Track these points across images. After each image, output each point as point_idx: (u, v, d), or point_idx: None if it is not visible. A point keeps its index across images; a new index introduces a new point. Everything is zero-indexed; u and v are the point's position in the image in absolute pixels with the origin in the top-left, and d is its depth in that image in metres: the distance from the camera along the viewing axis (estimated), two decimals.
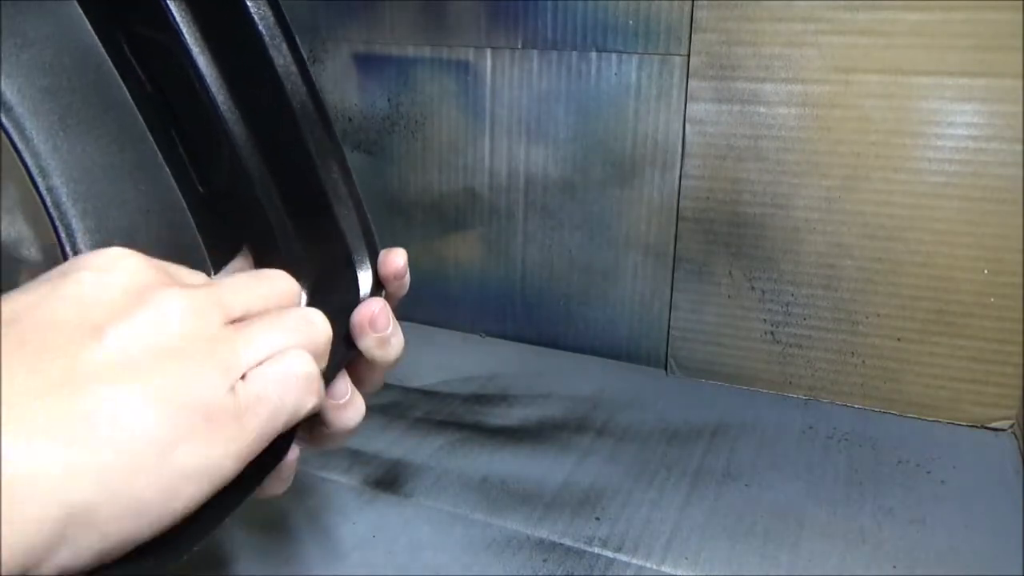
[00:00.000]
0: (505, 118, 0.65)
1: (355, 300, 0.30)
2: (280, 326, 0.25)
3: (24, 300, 0.21)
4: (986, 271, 0.52)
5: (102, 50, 0.32)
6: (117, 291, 0.22)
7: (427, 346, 0.68)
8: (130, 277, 0.22)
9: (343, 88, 0.70)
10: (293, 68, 0.29)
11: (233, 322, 0.24)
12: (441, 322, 0.72)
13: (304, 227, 0.31)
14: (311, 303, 0.30)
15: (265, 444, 0.23)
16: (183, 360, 0.21)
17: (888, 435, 0.54)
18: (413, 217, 0.71)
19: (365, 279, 0.31)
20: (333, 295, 0.30)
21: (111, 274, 0.22)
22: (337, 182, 0.30)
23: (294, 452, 0.28)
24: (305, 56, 0.29)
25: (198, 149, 0.32)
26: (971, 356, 0.54)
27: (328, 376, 0.28)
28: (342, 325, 0.29)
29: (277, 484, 0.28)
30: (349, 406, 0.29)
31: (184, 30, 0.29)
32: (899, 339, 0.56)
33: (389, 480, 0.48)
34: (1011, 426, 0.55)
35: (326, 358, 0.26)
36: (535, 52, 0.62)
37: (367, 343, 0.29)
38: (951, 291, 0.54)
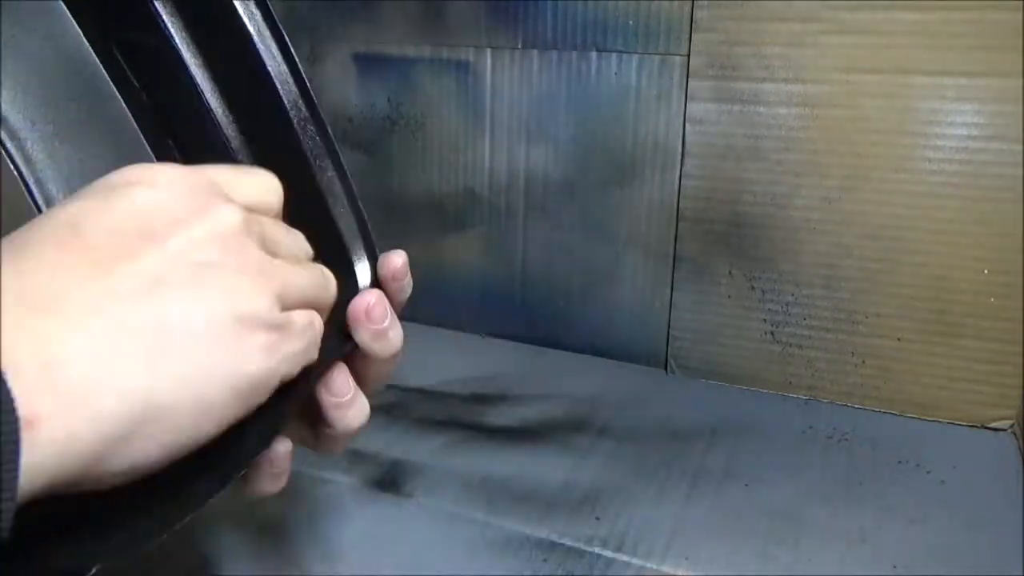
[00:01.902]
0: (505, 118, 0.65)
1: (353, 296, 0.30)
2: (308, 276, 0.26)
3: (79, 206, 0.21)
4: (986, 271, 0.52)
5: (96, 60, 0.32)
6: (174, 202, 0.22)
7: (427, 346, 0.68)
8: (182, 189, 0.23)
9: (343, 88, 0.70)
10: (285, 68, 0.29)
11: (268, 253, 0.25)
12: (441, 322, 0.72)
13: (302, 227, 0.31)
14: None
15: (291, 374, 0.24)
16: (243, 275, 0.22)
17: (888, 435, 0.54)
18: (413, 217, 0.71)
19: (363, 275, 0.31)
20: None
21: (163, 188, 0.22)
22: (333, 181, 0.30)
23: (285, 445, 0.28)
24: (296, 56, 0.29)
25: (194, 155, 0.32)
26: (971, 356, 0.54)
27: (321, 367, 0.27)
28: (339, 319, 0.29)
29: (271, 481, 0.28)
30: (352, 405, 0.29)
31: (175, 34, 0.29)
32: (899, 339, 0.56)
33: (389, 480, 0.48)
34: (1011, 426, 0.55)
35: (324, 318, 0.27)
36: (535, 52, 0.62)
37: (363, 336, 0.29)
38: (951, 291, 0.54)
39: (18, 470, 0.17)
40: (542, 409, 0.58)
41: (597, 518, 0.45)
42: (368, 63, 0.69)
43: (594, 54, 0.60)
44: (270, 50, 0.28)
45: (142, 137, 0.33)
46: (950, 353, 0.55)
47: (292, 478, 0.29)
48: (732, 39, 0.55)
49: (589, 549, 0.42)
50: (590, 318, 0.66)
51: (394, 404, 0.58)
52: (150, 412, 0.19)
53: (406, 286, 0.31)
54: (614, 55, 0.60)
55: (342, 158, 0.30)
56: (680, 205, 0.60)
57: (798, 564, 0.41)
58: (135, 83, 0.32)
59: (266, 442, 0.26)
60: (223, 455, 0.24)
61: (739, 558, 0.42)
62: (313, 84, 0.30)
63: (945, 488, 0.48)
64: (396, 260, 0.31)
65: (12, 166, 0.30)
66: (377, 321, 0.29)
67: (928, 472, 0.50)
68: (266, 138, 0.30)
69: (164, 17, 0.29)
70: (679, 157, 0.59)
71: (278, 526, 0.44)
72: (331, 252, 0.31)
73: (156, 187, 0.22)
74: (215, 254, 0.22)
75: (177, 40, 0.29)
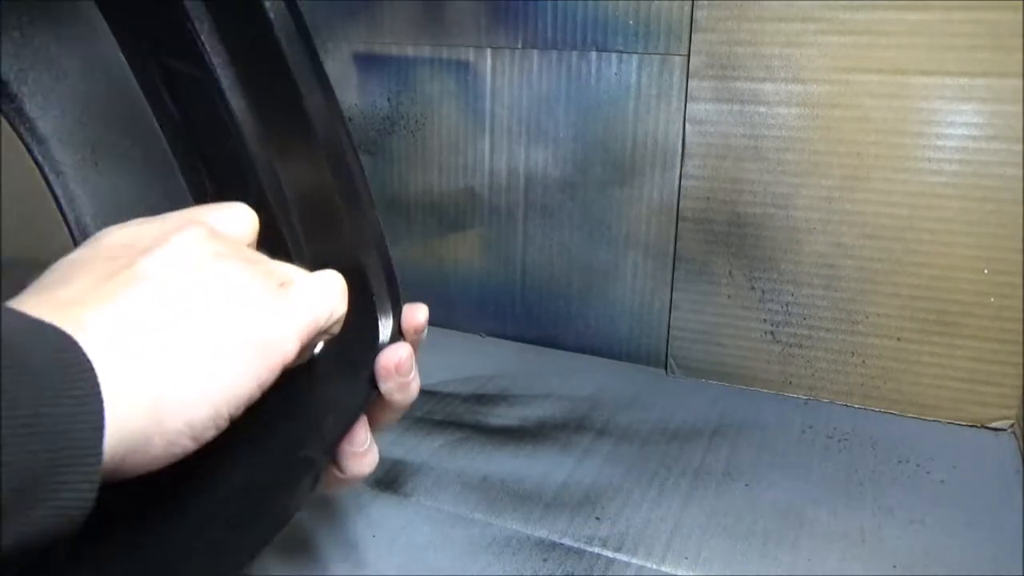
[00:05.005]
0: (505, 118, 0.65)
1: (375, 345, 0.30)
2: (297, 271, 0.27)
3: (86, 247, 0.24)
4: (986, 271, 0.52)
5: (135, 82, 0.32)
6: (154, 228, 0.25)
7: (427, 346, 0.67)
8: (162, 221, 0.25)
9: (343, 88, 0.70)
10: (326, 114, 0.29)
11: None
12: (441, 322, 0.72)
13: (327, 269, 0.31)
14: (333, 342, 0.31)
15: (316, 332, 0.26)
16: (234, 261, 0.24)
17: (888, 435, 0.54)
18: (413, 217, 0.71)
19: (386, 325, 0.31)
20: (354, 338, 0.30)
21: (146, 222, 0.25)
22: (364, 229, 0.30)
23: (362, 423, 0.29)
24: (335, 93, 0.29)
25: (225, 185, 0.32)
26: (971, 356, 0.54)
27: (354, 408, 0.29)
28: (365, 367, 0.29)
29: (357, 462, 0.30)
30: (368, 453, 0.31)
31: (219, 69, 0.29)
32: (899, 339, 0.56)
33: (389, 480, 0.48)
34: (1011, 426, 0.55)
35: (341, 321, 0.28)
36: (535, 52, 0.62)
37: (389, 386, 0.30)
38: (951, 291, 0.54)
39: (103, 424, 0.18)
40: (542, 409, 0.58)
41: (597, 518, 0.45)
42: (368, 63, 0.69)
43: (594, 54, 0.60)
44: (313, 93, 0.28)
45: (173, 160, 0.32)
46: (950, 353, 0.55)
47: None
48: (732, 39, 0.55)
49: (589, 549, 0.42)
50: (590, 318, 0.66)
51: None
52: (170, 381, 0.21)
53: (423, 338, 0.32)
54: (614, 55, 0.60)
55: (374, 203, 0.30)
56: (680, 205, 0.60)
57: (798, 564, 0.41)
58: (172, 108, 0.32)
59: (343, 427, 0.28)
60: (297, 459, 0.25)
61: (739, 558, 0.42)
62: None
63: (945, 488, 0.48)
64: (419, 316, 0.32)
65: (47, 187, 0.30)
66: (405, 374, 0.30)
67: (928, 472, 0.50)
68: (299, 178, 0.30)
69: (209, 50, 0.29)
70: (679, 157, 0.59)
71: None
72: (357, 300, 0.31)
73: (140, 224, 0.25)
74: (207, 252, 0.24)
75: (220, 73, 0.29)
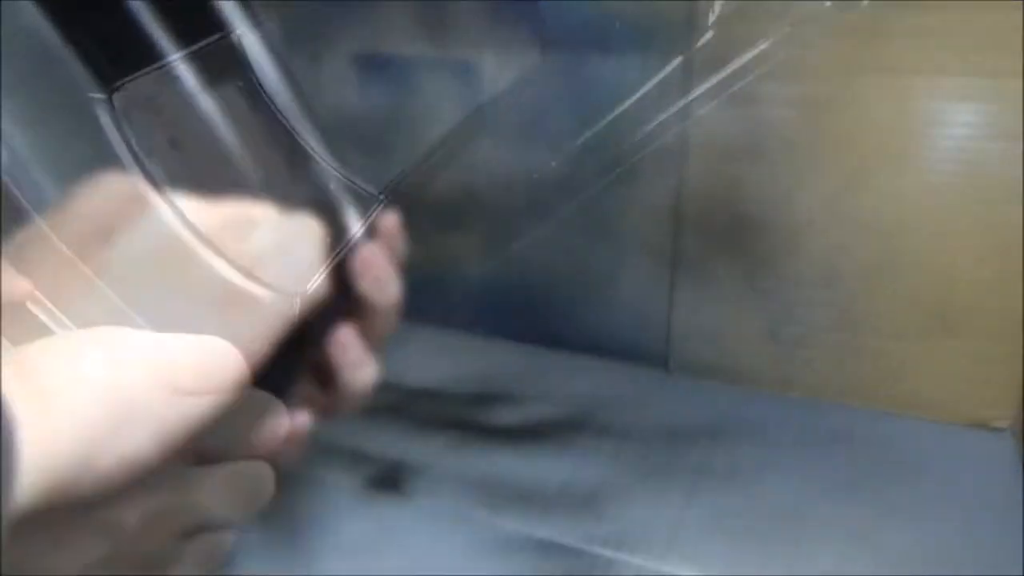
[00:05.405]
0: (505, 118, 0.65)
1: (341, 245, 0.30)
2: None
3: None
4: (986, 271, 0.52)
5: (47, 28, 0.31)
6: None
7: (427, 346, 0.68)
8: None
9: (343, 88, 0.70)
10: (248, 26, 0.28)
11: None
12: (441, 322, 0.72)
13: (284, 181, 0.31)
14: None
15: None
16: None
17: (888, 435, 0.54)
18: (413, 217, 0.71)
19: (353, 226, 0.31)
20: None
21: None
22: (312, 146, 0.30)
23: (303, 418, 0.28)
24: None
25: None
26: (971, 356, 0.54)
27: (325, 323, 0.28)
28: (339, 273, 0.29)
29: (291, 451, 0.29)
30: (363, 365, 0.30)
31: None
32: (899, 339, 0.56)
33: (389, 480, 0.48)
34: (1011, 426, 0.55)
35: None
36: (535, 52, 0.62)
37: (367, 284, 0.30)
38: (951, 291, 0.54)
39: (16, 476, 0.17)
40: (542, 409, 0.58)
41: (597, 518, 0.45)
42: (368, 63, 0.69)
43: (594, 54, 0.60)
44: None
45: (105, 102, 0.32)
46: (950, 353, 0.55)
47: (292, 479, 0.29)
48: (732, 39, 0.55)
49: (589, 549, 0.42)
50: (590, 318, 0.66)
51: (394, 404, 0.58)
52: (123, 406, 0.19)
53: (399, 244, 0.33)
54: (614, 55, 0.60)
55: (318, 115, 0.30)
56: (680, 205, 0.60)
57: (798, 564, 0.41)
58: (94, 49, 0.31)
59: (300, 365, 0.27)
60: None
61: (739, 558, 0.42)
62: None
63: (945, 488, 0.48)
64: (388, 221, 0.33)
65: None
66: (379, 269, 0.30)
67: (928, 472, 0.50)
68: (232, 104, 0.30)
69: None
70: (679, 157, 0.59)
71: (279, 526, 0.44)
72: (326, 215, 0.31)
73: None
74: None
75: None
